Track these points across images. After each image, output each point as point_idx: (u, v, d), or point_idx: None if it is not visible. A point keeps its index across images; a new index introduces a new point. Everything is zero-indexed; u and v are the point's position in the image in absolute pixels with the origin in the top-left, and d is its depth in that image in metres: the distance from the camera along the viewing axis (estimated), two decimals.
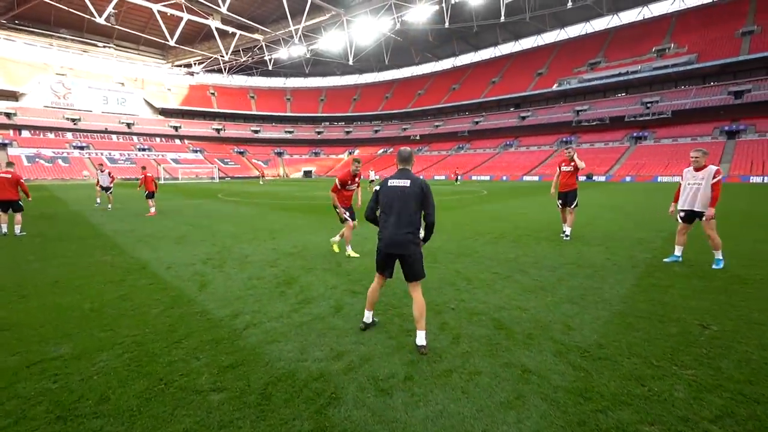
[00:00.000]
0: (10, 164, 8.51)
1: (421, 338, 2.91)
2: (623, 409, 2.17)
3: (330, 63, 79.57)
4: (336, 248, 6.40)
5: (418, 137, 74.80)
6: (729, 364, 2.65)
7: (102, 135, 64.65)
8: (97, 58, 69.25)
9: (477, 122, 69.21)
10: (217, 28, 54.02)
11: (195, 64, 74.20)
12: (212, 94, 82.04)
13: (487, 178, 51.55)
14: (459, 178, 39.07)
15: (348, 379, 2.52)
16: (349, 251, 6.15)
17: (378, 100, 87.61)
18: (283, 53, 67.36)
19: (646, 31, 59.91)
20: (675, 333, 3.15)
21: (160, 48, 69.69)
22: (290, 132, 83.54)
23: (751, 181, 34.63)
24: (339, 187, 5.78)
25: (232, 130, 79.11)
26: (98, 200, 15.20)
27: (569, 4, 55.03)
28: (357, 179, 6.00)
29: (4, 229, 8.13)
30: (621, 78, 55.37)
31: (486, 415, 2.13)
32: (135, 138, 67.47)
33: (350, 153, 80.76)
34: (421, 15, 56.88)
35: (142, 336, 3.20)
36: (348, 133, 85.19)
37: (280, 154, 78.21)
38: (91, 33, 61.03)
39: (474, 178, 51.76)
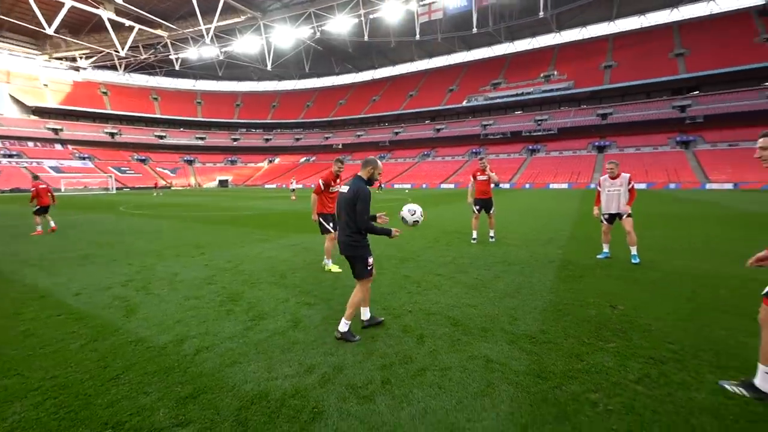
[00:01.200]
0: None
1: (342, 325, 3.21)
2: (572, 383, 2.53)
3: (246, 67, 75.80)
4: (334, 268, 5.77)
5: (340, 146, 75.08)
6: (637, 336, 3.26)
7: None
8: None
9: (397, 133, 72.12)
10: (110, 20, 47.68)
11: (81, 58, 64.29)
12: (104, 93, 71.84)
13: (409, 186, 53.91)
14: (382, 186, 40.21)
15: (326, 391, 2.48)
16: (329, 265, 5.73)
17: (299, 108, 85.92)
18: (192, 53, 62.20)
19: (535, 59, 69.33)
20: (594, 314, 3.75)
21: (32, 36, 58.85)
22: (202, 138, 77.00)
23: None
24: (322, 188, 5.49)
25: (131, 135, 69.99)
26: None
27: (474, 30, 61.08)
28: (340, 180, 5.70)
29: None
30: (518, 98, 63.11)
31: (465, 406, 2.30)
32: None
33: (270, 161, 77.52)
34: (340, 26, 57.71)
35: (64, 377, 2.70)
36: (267, 140, 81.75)
37: (190, 162, 71.49)
38: None
39: (396, 186, 53.68)
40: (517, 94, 63.36)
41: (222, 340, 3.29)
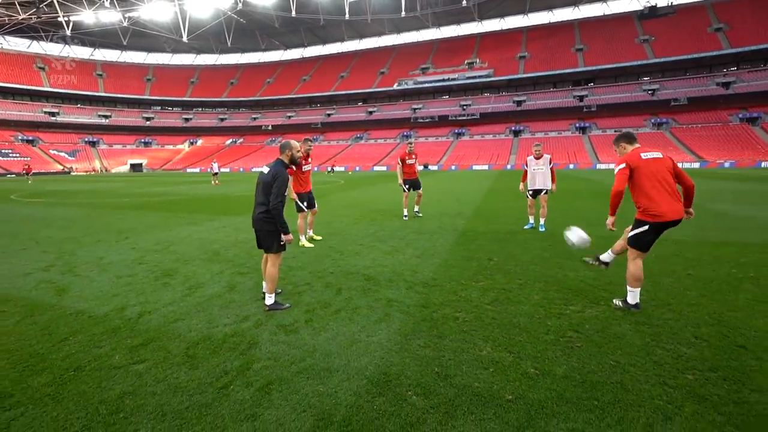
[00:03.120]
0: None
1: (267, 299, 3.57)
2: (445, 309, 3.51)
3: (158, 37, 67.95)
4: (307, 243, 6.22)
5: (270, 128, 71.94)
6: (500, 276, 4.41)
7: None
8: None
9: (329, 114, 71.16)
10: None
11: None
12: None
13: (343, 168, 54.07)
14: (329, 169, 40.18)
15: (259, 330, 3.14)
16: (302, 241, 6.18)
17: (222, 85, 79.80)
18: (88, 17, 53.93)
19: (460, 46, 72.75)
20: (475, 265, 4.88)
21: None
22: (106, 116, 67.88)
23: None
24: (294, 168, 5.63)
25: (12, 111, 59.18)
26: None
27: (402, 14, 61.95)
28: (309, 159, 6.12)
29: None
30: (445, 83, 66.08)
31: (366, 328, 3.14)
32: None
33: (192, 143, 71.48)
34: None
35: (11, 345, 2.97)
36: (187, 120, 75.00)
37: (93, 143, 62.94)
38: None
39: (336, 169, 53.51)
40: (443, 80, 66.30)
41: (163, 305, 3.72)
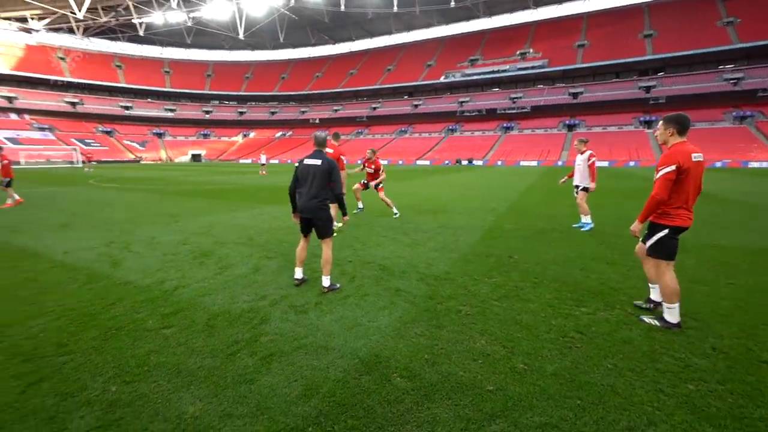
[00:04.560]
0: None
1: (325, 281, 3.89)
2: (450, 301, 3.57)
3: (217, 35, 72.41)
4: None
5: (317, 121, 74.08)
6: (516, 273, 4.35)
7: None
8: None
9: (374, 108, 71.71)
10: None
11: (33, 18, 59.42)
12: (62, 59, 67.22)
13: (386, 162, 54.44)
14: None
15: (273, 309, 3.42)
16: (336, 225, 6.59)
17: (274, 79, 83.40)
18: (157, 18, 58.82)
19: (512, 36, 69.60)
20: (492, 262, 4.83)
21: None
22: (171, 110, 73.95)
23: None
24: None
25: (94, 105, 66.38)
26: None
27: (452, 3, 60.42)
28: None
29: None
30: (495, 75, 63.70)
31: (370, 313, 3.30)
32: None
33: (245, 135, 75.69)
34: None
35: (72, 304, 3.51)
36: (242, 113, 79.45)
37: (160, 135, 68.88)
38: None
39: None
40: (493, 71, 63.92)
41: (195, 281, 4.15)
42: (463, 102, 64.80)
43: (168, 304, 3.53)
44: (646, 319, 3.14)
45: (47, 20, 59.53)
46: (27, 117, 58.18)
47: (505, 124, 59.47)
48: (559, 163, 45.49)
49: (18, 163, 41.64)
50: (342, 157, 6.49)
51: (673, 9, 58.46)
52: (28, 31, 62.94)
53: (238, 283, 4.10)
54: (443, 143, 59.13)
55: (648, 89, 52.61)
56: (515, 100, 60.97)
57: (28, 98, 60.03)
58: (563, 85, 60.20)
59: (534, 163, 46.44)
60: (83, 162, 31.92)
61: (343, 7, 60.31)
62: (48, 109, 60.64)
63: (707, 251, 5.35)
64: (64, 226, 7.25)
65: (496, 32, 72.60)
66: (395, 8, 60.44)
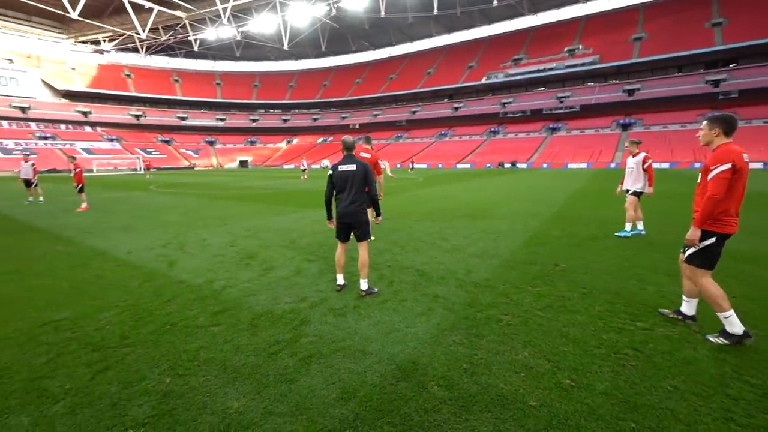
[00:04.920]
0: None
1: (363, 284, 3.93)
2: (491, 310, 3.45)
3: (263, 47, 76.17)
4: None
5: (357, 126, 75.36)
6: (562, 283, 4.12)
7: None
8: None
9: (414, 112, 71.66)
10: (130, 2, 48.89)
11: (105, 41, 66.11)
12: (128, 75, 74.12)
13: (425, 166, 54.16)
14: (411, 166, 40.31)
15: (313, 311, 3.50)
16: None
17: (316, 87, 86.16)
18: (210, 34, 63.05)
19: (560, 32, 66.57)
20: (537, 270, 4.61)
21: (58, 20, 60.76)
22: (222, 119, 78.85)
23: None
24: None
25: (155, 117, 72.41)
26: (30, 198, 13.26)
27: (495, 2, 59.06)
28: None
29: None
30: (540, 74, 61.19)
31: (407, 319, 3.27)
32: (33, 125, 58.84)
33: (288, 142, 78.79)
34: (356, 3, 57.00)
35: (133, 300, 3.83)
36: (285, 121, 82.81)
37: (211, 143, 73.64)
38: None
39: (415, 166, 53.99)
40: (539, 70, 61.44)
41: (241, 282, 4.36)
42: (506, 103, 62.89)
43: (216, 302, 3.74)
44: (712, 338, 2.85)
45: (116, 41, 65.96)
46: (99, 129, 64.73)
47: (551, 125, 56.88)
48: (612, 165, 42.63)
49: (90, 170, 46.41)
50: (379, 161, 6.50)
51: None
52: (101, 52, 70.06)
53: (281, 284, 4.25)
54: (485, 146, 57.71)
55: (717, 83, 47.88)
56: (562, 99, 58.14)
57: (100, 112, 66.74)
58: (617, 81, 56.49)
59: (583, 166, 43.92)
60: (145, 169, 35.11)
61: (383, 13, 61.06)
62: (116, 122, 67.05)
63: None
64: (127, 228, 7.95)
65: (542, 29, 69.82)
66: (435, 11, 60.16)
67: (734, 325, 2.73)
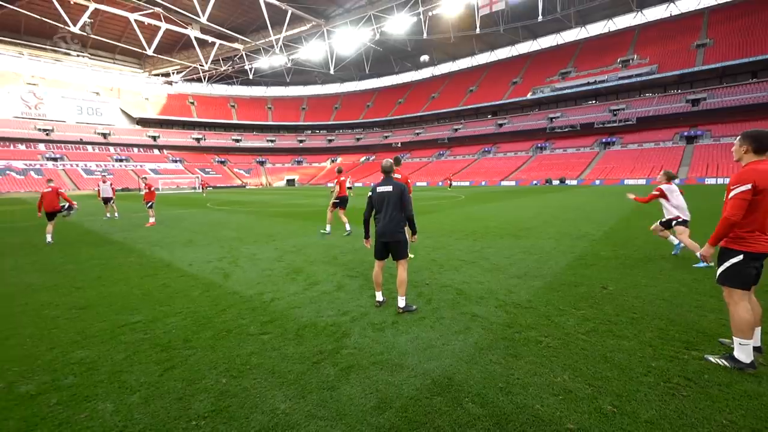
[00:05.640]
0: (50, 180, 9.67)
1: (401, 301, 4.03)
2: (531, 331, 3.41)
3: (311, 72, 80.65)
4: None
5: (399, 144, 76.53)
6: (609, 307, 3.95)
7: (77, 146, 63.45)
8: (71, 67, 67.92)
9: (456, 129, 71.52)
10: (196, 38, 54.37)
11: (173, 73, 73.85)
12: (192, 103, 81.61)
13: (467, 183, 53.49)
14: (451, 183, 40.36)
15: (353, 324, 3.67)
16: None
17: (359, 108, 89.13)
18: (263, 62, 68.06)
19: (611, 43, 63.81)
20: (582, 292, 4.45)
21: (137, 57, 69.13)
22: (272, 141, 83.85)
23: (706, 182, 37.53)
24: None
25: (213, 140, 78.83)
26: (107, 215, 14.94)
27: (540, 18, 58.15)
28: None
29: (49, 239, 8.94)
30: (590, 87, 58.70)
31: (444, 336, 3.33)
32: (111, 148, 66.49)
33: (333, 161, 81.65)
34: (399, 26, 58.90)
35: (194, 308, 4.25)
36: (330, 141, 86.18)
37: (262, 163, 78.39)
38: (65, 42, 59.95)
39: (455, 184, 53.55)
40: (588, 83, 58.97)
41: (288, 295, 4.66)
42: (554, 118, 60.85)
43: (266, 313, 4.04)
44: (712, 358, 2.80)
45: (183, 73, 73.44)
46: (165, 152, 71.57)
47: (604, 139, 54.00)
48: (676, 180, 39.19)
49: (157, 189, 51.24)
50: (409, 180, 6.67)
51: None
52: (170, 83, 78.25)
53: (323, 299, 4.48)
54: (531, 162, 55.96)
55: None
56: (616, 112, 55.16)
57: (167, 136, 73.92)
58: (679, 91, 52.71)
59: (642, 182, 40.98)
60: (202, 188, 38.40)
61: (425, 35, 62.48)
62: (180, 145, 73.82)
63: None
64: (189, 243, 8.73)
65: (591, 41, 67.37)
66: (478, 30, 60.47)
67: (747, 354, 2.66)
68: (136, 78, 76.14)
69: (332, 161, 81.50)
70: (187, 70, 71.28)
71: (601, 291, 4.49)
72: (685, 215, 6.08)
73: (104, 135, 66.44)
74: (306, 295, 4.64)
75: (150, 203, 12.66)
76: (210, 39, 55.30)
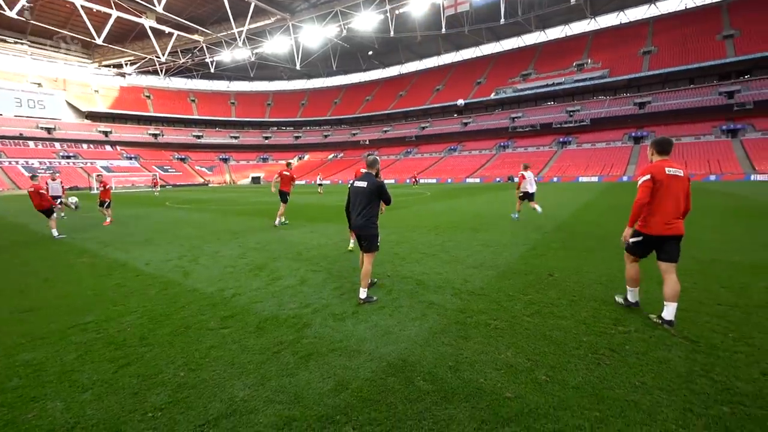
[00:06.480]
0: (34, 177, 9.45)
1: (362, 293, 4.17)
2: (482, 315, 3.67)
3: (276, 67, 78.75)
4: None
5: (367, 142, 76.54)
6: (553, 292, 4.30)
7: (16, 141, 58.23)
8: (7, 55, 62.10)
9: (423, 127, 72.54)
10: (151, 28, 51.43)
11: (126, 64, 69.41)
12: (147, 96, 77.25)
13: (434, 180, 54.50)
14: (417, 181, 40.98)
15: (315, 316, 3.77)
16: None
17: (327, 105, 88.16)
18: (226, 56, 65.65)
19: (568, 47, 67.19)
20: (531, 279, 4.80)
21: (85, 46, 64.33)
22: (236, 137, 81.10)
23: None
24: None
25: (172, 136, 75.02)
26: (63, 214, 14.37)
27: (502, 21, 60.13)
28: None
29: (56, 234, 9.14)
30: (549, 89, 61.59)
31: (401, 323, 3.52)
32: (57, 144, 61.59)
33: (300, 158, 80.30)
34: (366, 23, 58.81)
35: (151, 306, 4.17)
36: (297, 138, 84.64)
37: (225, 160, 75.66)
38: (1, 27, 54.77)
39: (422, 181, 54.37)
40: (547, 85, 61.87)
41: (250, 290, 4.67)
42: (515, 117, 63.29)
43: (227, 308, 4.04)
44: (618, 297, 3.93)
45: (137, 64, 69.23)
46: (118, 148, 67.31)
47: (561, 139, 56.87)
48: (624, 178, 42.24)
49: (112, 188, 48.11)
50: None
51: (758, 5, 52.73)
52: (123, 75, 73.56)
53: (286, 293, 4.54)
54: (495, 160, 57.91)
55: (731, 94, 47.42)
56: (572, 113, 58.27)
57: (120, 132, 69.52)
58: (628, 95, 56.53)
59: (594, 179, 43.63)
60: (155, 186, 36.88)
61: (392, 33, 62.80)
62: (135, 141, 69.68)
63: None
64: (146, 242, 8.40)
65: (550, 45, 70.61)
66: (443, 30, 61.61)
67: (634, 297, 3.74)
68: (84, 69, 70.86)
69: (299, 158, 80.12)
70: (142, 61, 67.25)
71: (548, 278, 4.86)
72: (533, 189, 10.37)
73: (48, 130, 61.48)
74: (268, 290, 4.67)
75: (106, 202, 11.99)
76: (167, 29, 52.49)
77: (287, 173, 10.48)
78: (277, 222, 10.33)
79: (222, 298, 4.40)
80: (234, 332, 3.41)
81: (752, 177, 35.80)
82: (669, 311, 3.30)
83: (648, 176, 3.37)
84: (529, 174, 10.38)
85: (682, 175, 3.36)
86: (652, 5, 62.69)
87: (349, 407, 2.28)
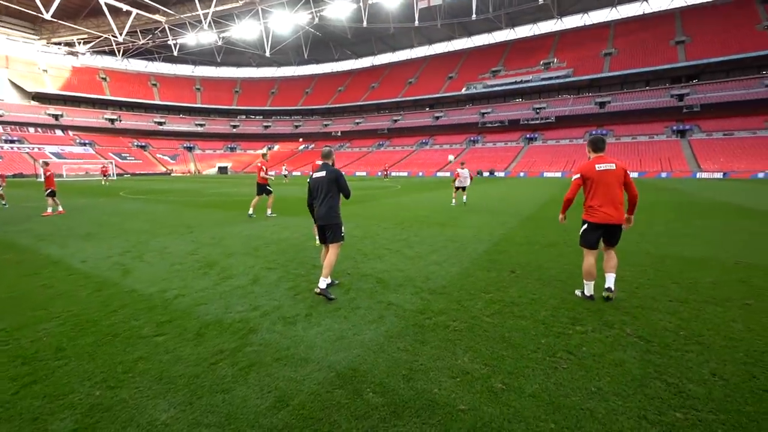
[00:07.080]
0: None
1: (322, 282, 3.95)
2: (441, 316, 3.51)
3: (245, 53, 75.66)
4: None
5: (339, 134, 75.45)
6: (514, 290, 4.23)
7: None
8: None
9: (396, 120, 72.36)
10: (107, 4, 47.70)
11: (79, 43, 64.18)
12: (104, 78, 72.04)
13: (405, 173, 54.59)
14: (389, 174, 40.77)
15: (263, 319, 3.48)
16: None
17: (298, 94, 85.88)
18: (190, 39, 62.17)
19: (536, 46, 68.90)
20: (493, 276, 4.73)
21: (30, 21, 58.71)
22: (201, 125, 77.42)
23: None
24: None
25: (131, 121, 70.55)
26: (3, 202, 13.38)
27: (474, 17, 60.67)
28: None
29: None
30: (517, 86, 63.04)
31: (357, 327, 3.29)
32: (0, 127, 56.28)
33: (269, 148, 77.93)
34: (339, 12, 57.54)
35: (78, 311, 3.71)
36: (267, 127, 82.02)
37: (190, 148, 72.15)
38: None
39: (393, 174, 54.29)
40: (516, 82, 63.28)
41: (195, 291, 4.28)
42: (485, 113, 64.37)
43: (165, 312, 3.66)
44: (577, 291, 4.09)
45: (92, 44, 64.14)
46: (71, 133, 62.44)
47: (528, 135, 58.52)
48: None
49: (60, 175, 44.54)
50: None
51: (707, 14, 56.27)
52: (75, 54, 67.95)
53: (235, 293, 4.20)
54: (465, 154, 58.72)
55: (681, 97, 50.50)
56: (539, 110, 60.02)
57: (72, 116, 64.47)
58: (589, 94, 58.86)
59: (558, 174, 45.24)
60: (103, 175, 34.27)
61: (365, 23, 61.79)
62: (89, 126, 64.89)
63: (729, 270, 5.03)
64: (88, 236, 7.68)
65: (519, 43, 72.11)
66: (416, 23, 61.34)
67: (589, 290, 3.92)
68: (30, 46, 64.78)
69: (269, 149, 77.72)
70: (97, 40, 62.37)
71: (510, 275, 4.81)
72: (466, 184, 12.55)
73: None
74: (216, 290, 4.31)
75: (50, 191, 10.94)
76: (125, 7, 48.83)
77: (259, 164, 10.59)
78: (256, 212, 10.53)
79: (162, 300, 3.99)
80: (169, 340, 3.07)
81: (698, 175, 38.43)
82: (610, 280, 3.84)
83: (578, 175, 3.87)
84: (464, 171, 12.60)
85: (614, 168, 3.74)
86: (614, 9, 65.33)
87: (288, 427, 2.04)
